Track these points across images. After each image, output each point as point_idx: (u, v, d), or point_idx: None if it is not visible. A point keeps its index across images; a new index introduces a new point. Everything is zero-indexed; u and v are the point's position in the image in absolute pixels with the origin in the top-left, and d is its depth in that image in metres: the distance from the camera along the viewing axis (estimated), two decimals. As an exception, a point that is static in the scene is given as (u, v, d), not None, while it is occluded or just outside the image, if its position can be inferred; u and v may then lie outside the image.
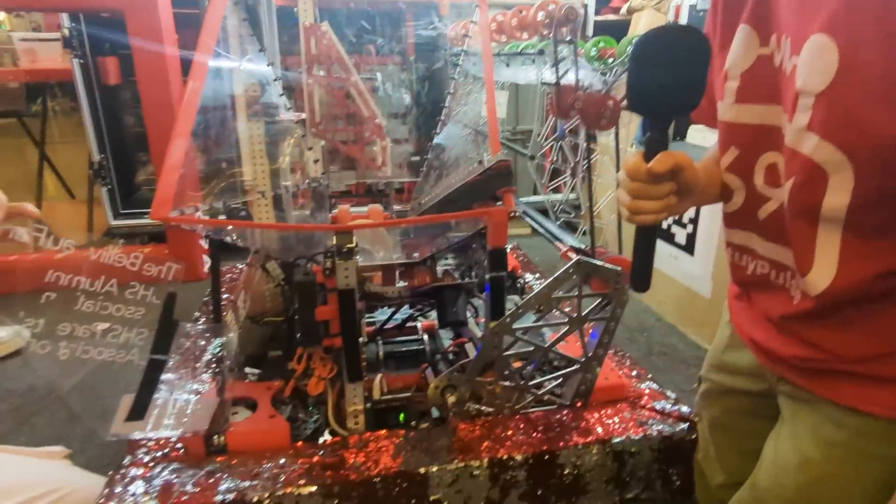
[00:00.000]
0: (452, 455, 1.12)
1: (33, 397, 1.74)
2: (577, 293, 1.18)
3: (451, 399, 1.23)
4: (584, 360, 1.25)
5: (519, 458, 1.13)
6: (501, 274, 1.14)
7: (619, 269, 1.18)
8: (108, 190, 2.71)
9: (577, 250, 1.21)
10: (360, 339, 1.13)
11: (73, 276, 0.96)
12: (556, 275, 1.16)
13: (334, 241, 1.05)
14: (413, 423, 1.24)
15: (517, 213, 1.08)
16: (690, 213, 1.18)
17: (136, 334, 0.95)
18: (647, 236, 0.84)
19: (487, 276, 1.15)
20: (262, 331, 1.38)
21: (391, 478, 1.08)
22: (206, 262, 2.58)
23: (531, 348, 1.22)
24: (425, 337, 1.69)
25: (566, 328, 1.22)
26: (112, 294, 0.96)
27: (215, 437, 1.13)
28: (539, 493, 1.17)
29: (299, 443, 1.17)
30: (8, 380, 1.86)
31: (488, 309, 1.18)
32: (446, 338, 1.73)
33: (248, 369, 1.49)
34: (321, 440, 1.24)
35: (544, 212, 1.53)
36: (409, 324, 1.67)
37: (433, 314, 1.92)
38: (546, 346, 1.22)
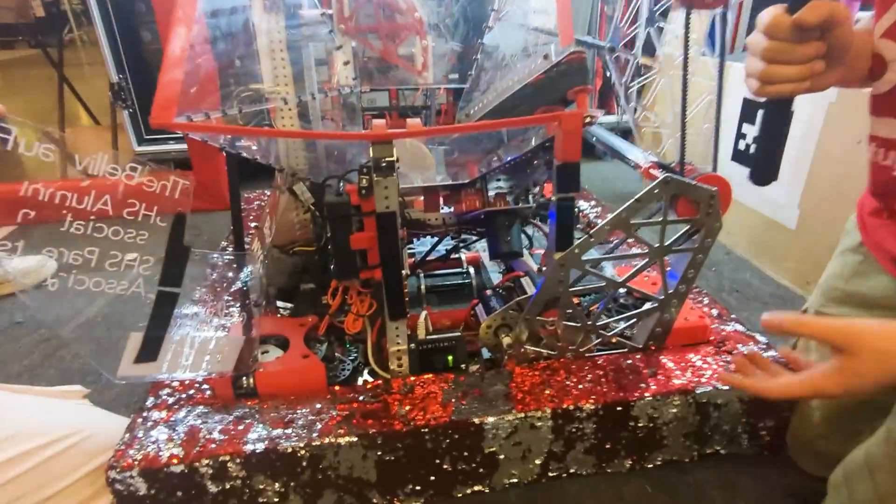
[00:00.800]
0: (510, 404, 0.98)
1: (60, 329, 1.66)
2: (661, 218, 0.98)
3: (506, 340, 1.07)
4: (662, 297, 1.06)
5: (587, 408, 0.98)
6: (571, 196, 0.94)
7: (714, 189, 0.96)
8: (129, 113, 2.57)
9: (663, 167, 1.00)
10: (403, 272, 0.97)
11: (98, 204, 0.81)
12: (637, 196, 0.96)
13: (371, 154, 0.87)
14: (462, 366, 1.10)
15: (594, 120, 0.87)
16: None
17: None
18: (781, 113, 0.64)
19: (554, 198, 0.96)
20: (291, 262, 1.24)
21: (441, 428, 0.94)
22: (235, 190, 2.45)
23: (601, 283, 1.04)
24: (471, 270, 1.53)
25: (644, 260, 1.03)
26: (136, 222, 0.82)
27: (244, 378, 1.01)
28: (607, 446, 1.03)
29: (336, 386, 1.04)
30: (34, 311, 1.78)
31: (553, 237, 1.00)
32: (493, 272, 1.57)
33: (279, 303, 1.36)
34: (360, 382, 1.11)
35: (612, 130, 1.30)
36: (453, 256, 1.50)
37: (479, 246, 1.75)
38: (620, 280, 1.04)
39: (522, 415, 0.96)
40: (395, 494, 0.99)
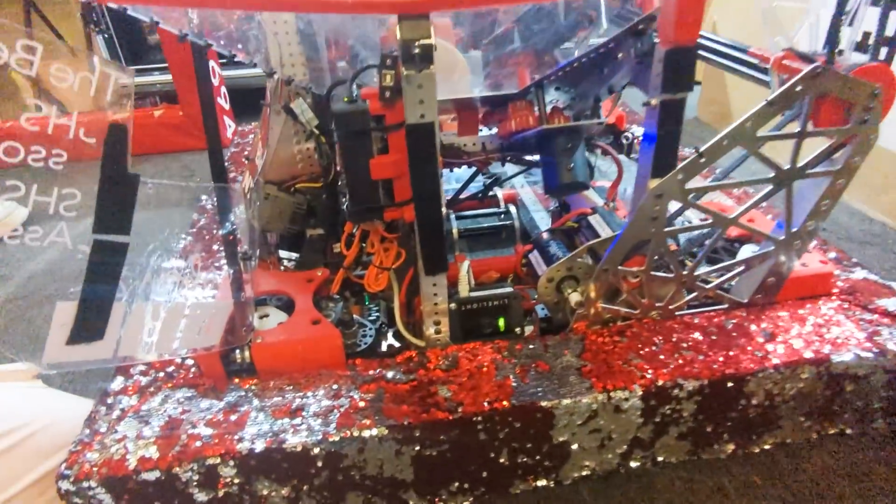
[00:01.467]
0: (587, 381, 0.74)
1: (32, 287, 1.43)
2: (798, 129, 0.71)
3: (573, 297, 0.83)
4: (783, 238, 0.80)
5: (690, 385, 0.74)
6: (682, 98, 0.67)
7: (877, 86, 0.68)
8: (105, 39, 2.25)
9: (803, 57, 0.71)
10: (442, 210, 0.72)
11: (73, 144, 0.56)
12: (769, 97, 0.68)
13: (398, 36, 0.59)
14: (517, 329, 0.86)
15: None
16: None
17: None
18: None
19: (654, 101, 0.68)
20: (292, 202, 0.98)
21: (500, 416, 0.71)
22: (230, 125, 2.16)
23: (707, 221, 0.78)
24: (512, 209, 1.26)
25: (768, 188, 0.76)
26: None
27: (237, 352, 0.78)
28: (707, 430, 0.80)
29: (356, 359, 0.81)
30: (4, 265, 1.54)
31: (647, 158, 0.73)
32: (536, 211, 1.31)
33: (282, 253, 1.12)
34: (384, 347, 0.88)
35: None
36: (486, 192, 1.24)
37: (515, 182, 1.48)
38: (730, 217, 0.77)
39: (605, 396, 0.73)
40: (437, 494, 0.77)
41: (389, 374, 0.77)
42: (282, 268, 1.07)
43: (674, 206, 0.74)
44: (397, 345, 0.92)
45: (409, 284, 0.82)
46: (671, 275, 0.81)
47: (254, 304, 0.84)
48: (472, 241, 1.33)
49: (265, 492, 0.71)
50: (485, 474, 0.76)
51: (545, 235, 0.92)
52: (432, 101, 0.62)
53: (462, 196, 1.10)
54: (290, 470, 0.70)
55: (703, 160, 0.70)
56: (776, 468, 0.84)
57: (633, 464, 0.81)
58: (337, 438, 0.69)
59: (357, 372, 0.78)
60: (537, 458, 0.76)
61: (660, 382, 0.74)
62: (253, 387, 0.76)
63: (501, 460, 0.75)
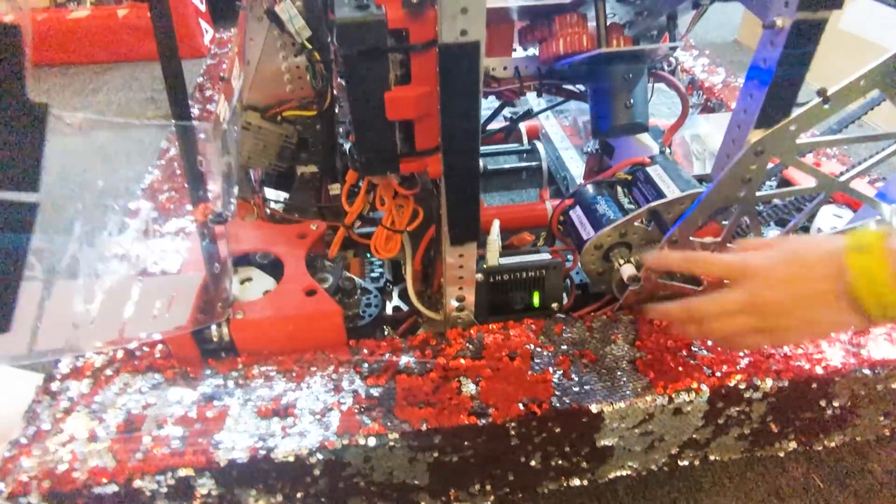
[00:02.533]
0: (644, 378, 0.61)
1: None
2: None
3: (627, 269, 0.67)
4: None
5: (767, 386, 0.61)
6: (823, 19, 0.48)
7: None
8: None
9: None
10: (478, 164, 0.54)
11: None
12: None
13: None
14: (554, 305, 0.71)
15: None
16: None
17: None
18: None
19: (781, 21, 0.49)
20: (278, 133, 0.80)
21: (538, 421, 0.58)
22: (207, 30, 1.89)
23: (794, 188, 0.61)
24: (539, 147, 1.08)
25: (888, 146, 0.59)
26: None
27: (213, 328, 0.63)
28: (774, 430, 0.68)
29: (362, 340, 0.66)
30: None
31: (750, 104, 0.55)
32: (564, 148, 1.13)
33: (268, 192, 0.95)
34: (388, 332, 0.74)
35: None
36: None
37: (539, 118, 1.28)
38: (841, 180, 0.61)
39: (665, 399, 0.59)
40: (454, 496, 0.66)
41: (403, 361, 0.63)
42: (267, 211, 0.90)
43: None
44: (404, 308, 0.78)
45: (425, 251, 0.66)
46: (751, 247, 0.66)
47: (231, 267, 0.68)
48: (487, 183, 1.16)
49: (251, 501, 0.59)
50: (511, 477, 0.65)
51: (591, 189, 0.75)
52: (480, 11, 0.43)
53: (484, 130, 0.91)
54: (281, 479, 0.57)
55: (827, 106, 0.53)
56: (840, 468, 0.74)
57: (682, 462, 0.69)
58: (338, 446, 0.55)
59: (362, 357, 0.64)
60: (574, 460, 0.64)
61: (731, 382, 0.60)
62: (234, 373, 0.62)
63: (532, 464, 0.63)
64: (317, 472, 0.57)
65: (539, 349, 0.64)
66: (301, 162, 0.88)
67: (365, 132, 0.52)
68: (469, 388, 0.60)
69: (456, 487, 0.65)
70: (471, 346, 0.64)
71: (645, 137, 0.84)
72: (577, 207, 0.75)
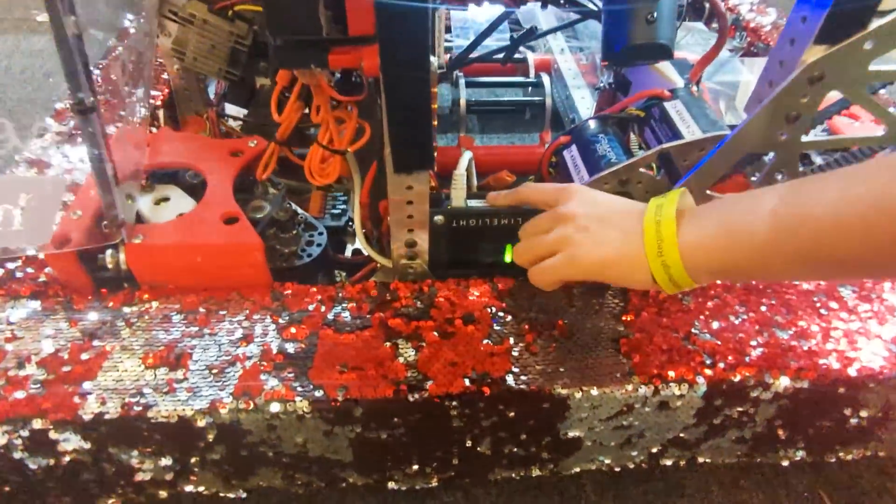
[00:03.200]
0: (627, 361, 0.49)
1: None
2: None
3: (622, 225, 0.54)
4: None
5: (781, 386, 0.48)
6: None
7: None
8: None
9: None
10: (433, 61, 0.41)
11: None
12: None
13: None
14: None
15: None
16: None
17: None
18: None
19: None
20: (228, 31, 0.66)
21: (486, 402, 0.47)
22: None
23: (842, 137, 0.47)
24: (545, 80, 0.93)
25: None
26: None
27: (107, 253, 0.51)
28: (781, 436, 0.55)
29: (287, 285, 0.54)
30: None
31: (809, 18, 0.40)
32: (577, 87, 0.97)
33: (228, 108, 0.83)
34: (341, 278, 0.62)
35: None
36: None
37: (554, 44, 1.11)
38: (916, 130, 0.46)
39: (650, 389, 0.47)
40: (389, 475, 0.55)
41: (332, 313, 0.51)
42: (222, 128, 0.78)
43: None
44: (366, 253, 0.65)
45: (374, 178, 0.53)
46: (783, 211, 0.52)
47: (138, 183, 0.56)
48: (485, 120, 1.01)
49: (135, 462, 0.49)
50: (456, 462, 0.54)
51: (592, 125, 0.61)
52: None
53: (477, 53, 0.76)
54: (166, 442, 0.47)
55: (919, 19, 0.38)
56: (854, 486, 0.62)
57: (664, 462, 0.58)
58: (232, 410, 0.45)
59: (284, 303, 0.52)
60: (532, 450, 0.53)
61: (736, 378, 0.48)
62: (127, 309, 0.51)
63: (480, 449, 0.52)
64: (210, 437, 0.47)
65: (501, 314, 0.52)
66: (260, 73, 0.74)
67: (279, 4, 0.38)
68: (408, 353, 0.48)
69: (389, 468, 0.54)
70: (419, 303, 0.52)
71: (669, 70, 0.68)
72: (574, 147, 0.61)
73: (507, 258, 0.57)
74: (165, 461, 0.49)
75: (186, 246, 0.51)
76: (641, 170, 0.54)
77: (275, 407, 0.45)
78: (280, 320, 0.50)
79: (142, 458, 0.48)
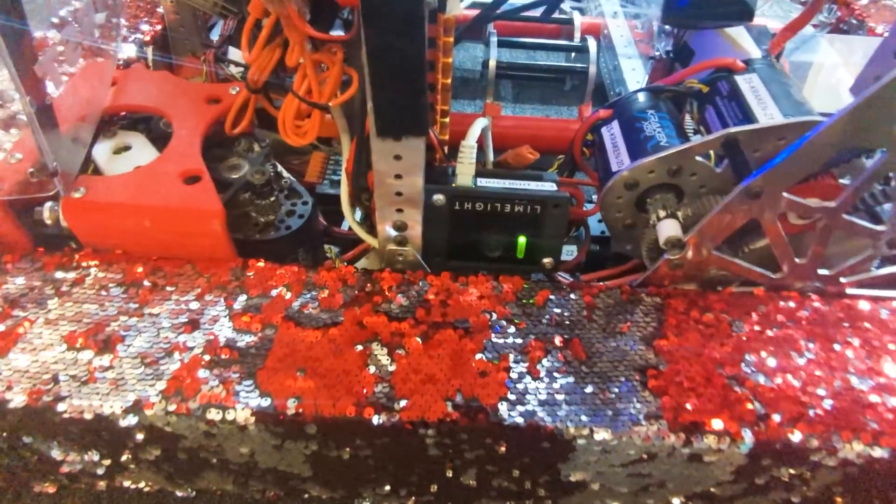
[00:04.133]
0: (654, 399, 0.38)
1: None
2: None
3: (666, 225, 0.43)
4: None
5: (852, 453, 0.38)
6: None
7: None
8: None
9: None
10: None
11: None
12: None
13: None
14: (546, 261, 0.48)
15: None
16: None
17: None
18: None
19: None
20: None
21: (470, 434, 0.38)
22: None
23: None
24: (591, 45, 0.80)
25: None
26: None
27: (46, 206, 0.44)
28: (837, 501, 0.45)
29: (252, 262, 0.46)
30: None
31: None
32: (629, 57, 0.85)
33: (232, 52, 0.74)
34: (332, 256, 0.54)
35: None
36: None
37: (607, 6, 0.98)
38: None
39: (680, 438, 0.37)
40: (358, 492, 0.47)
41: (298, 302, 0.42)
42: (220, 73, 0.69)
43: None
44: (354, 231, 0.56)
45: (363, 142, 0.43)
46: (881, 226, 0.40)
47: (91, 126, 0.47)
48: (520, 88, 0.90)
49: (56, 455, 0.42)
50: (434, 488, 0.45)
51: (640, 98, 0.50)
52: None
53: (515, 6, 0.65)
54: (87, 437, 0.39)
55: None
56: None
57: (684, 512, 0.48)
58: (158, 413, 0.37)
59: (243, 284, 0.43)
60: (526, 486, 0.44)
61: (795, 436, 0.37)
62: (60, 274, 0.43)
63: (464, 480, 0.43)
64: (139, 437, 0.39)
65: (504, 324, 0.42)
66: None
67: None
68: (382, 361, 0.39)
69: (357, 485, 0.46)
70: (404, 299, 0.43)
71: (743, 38, 0.56)
72: (615, 123, 0.50)
73: (520, 253, 0.47)
74: (92, 456, 0.42)
75: (133, 206, 0.43)
76: (698, 158, 0.43)
77: (212, 413, 0.37)
78: (235, 305, 0.42)
79: (64, 451, 0.41)
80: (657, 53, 0.68)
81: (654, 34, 0.85)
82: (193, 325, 0.41)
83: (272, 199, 0.52)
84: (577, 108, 0.80)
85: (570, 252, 0.59)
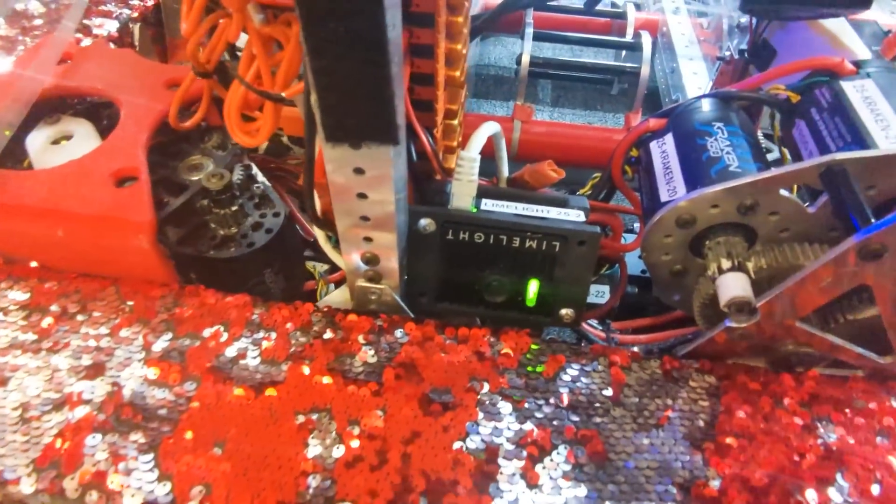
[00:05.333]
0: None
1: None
2: None
3: (731, 280, 0.31)
4: None
5: None
6: None
7: None
8: None
9: None
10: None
11: None
12: None
13: None
14: (564, 312, 0.37)
15: None
16: None
17: None
18: None
19: None
20: None
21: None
22: None
23: None
24: (646, 42, 0.68)
25: None
26: None
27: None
28: None
29: (190, 289, 0.36)
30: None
31: None
32: (685, 55, 0.72)
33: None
34: (318, 275, 0.45)
35: None
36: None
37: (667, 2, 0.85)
38: None
39: None
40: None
41: (232, 348, 0.33)
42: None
43: None
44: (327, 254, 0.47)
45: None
46: None
47: (18, 110, 0.39)
48: (561, 89, 0.79)
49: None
50: None
51: (705, 106, 0.38)
52: None
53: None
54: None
55: None
56: None
57: None
58: (27, 488, 0.28)
59: (172, 317, 0.34)
60: None
61: None
62: (-42, 288, 0.35)
63: None
64: (15, 510, 0.30)
65: (498, 399, 0.31)
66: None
67: None
68: (327, 442, 0.29)
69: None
70: (370, 353, 0.33)
71: (847, 35, 0.43)
72: (669, 137, 0.38)
73: (530, 301, 0.36)
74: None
75: (43, 210, 0.34)
76: (783, 192, 0.31)
77: (91, 498, 0.27)
78: (154, 346, 0.33)
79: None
80: (727, 53, 0.56)
81: (724, 33, 0.73)
82: (97, 369, 0.32)
83: (234, 207, 0.42)
84: (624, 116, 0.68)
85: (600, 294, 0.48)
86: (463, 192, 0.34)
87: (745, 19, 0.53)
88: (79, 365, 0.32)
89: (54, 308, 0.34)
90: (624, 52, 0.73)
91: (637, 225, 0.45)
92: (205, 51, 0.34)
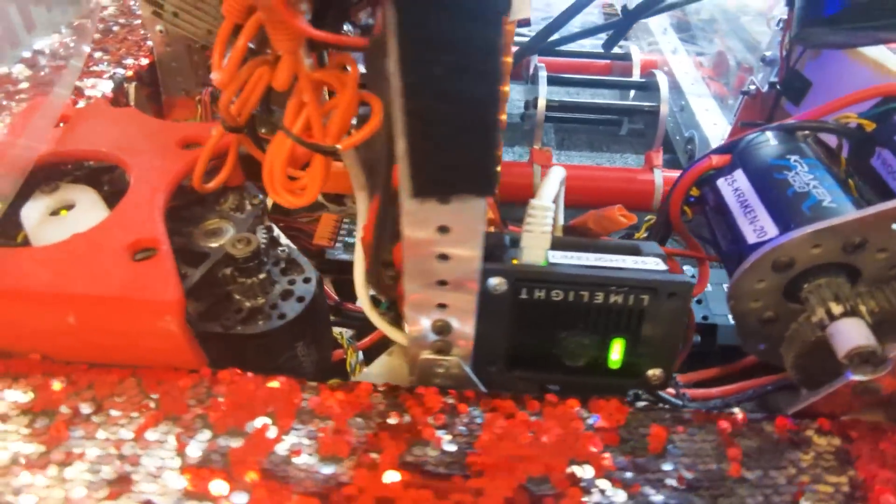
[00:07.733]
0: None
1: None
2: None
3: (845, 327, 0.28)
4: None
5: None
6: None
7: None
8: None
9: None
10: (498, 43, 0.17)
11: None
12: None
13: None
14: (648, 372, 0.33)
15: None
16: None
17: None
18: None
19: None
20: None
21: None
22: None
23: None
24: (662, 83, 0.68)
25: None
26: None
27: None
28: None
29: (223, 374, 0.31)
30: None
31: None
32: (693, 92, 0.72)
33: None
34: (344, 341, 0.40)
35: None
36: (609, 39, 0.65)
37: (667, 42, 0.86)
38: None
39: None
40: None
41: (284, 445, 0.28)
42: (218, 116, 0.57)
43: None
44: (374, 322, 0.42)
45: (379, 214, 0.30)
46: None
47: (12, 180, 0.35)
48: (563, 132, 0.77)
49: None
50: None
51: (772, 139, 0.36)
52: None
53: (558, 37, 0.53)
54: None
55: None
56: None
57: None
58: None
59: (208, 409, 0.29)
60: None
61: None
62: (-58, 393, 0.29)
63: None
64: None
65: (607, 485, 0.27)
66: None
67: None
68: (412, 555, 0.24)
69: None
70: (447, 440, 0.28)
71: (890, 59, 0.42)
72: (739, 172, 0.36)
73: (614, 363, 0.32)
74: None
75: (49, 295, 0.29)
76: (895, 227, 0.28)
77: None
78: (190, 448, 0.27)
79: None
80: (751, 87, 0.55)
81: (731, 69, 0.73)
82: (121, 484, 0.26)
83: (262, 275, 0.38)
84: (643, 155, 0.66)
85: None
86: (535, 245, 0.30)
87: (770, 52, 0.52)
88: (98, 480, 0.26)
89: (64, 409, 0.29)
90: (632, 92, 0.72)
91: (697, 270, 0.42)
92: (237, 103, 0.30)
